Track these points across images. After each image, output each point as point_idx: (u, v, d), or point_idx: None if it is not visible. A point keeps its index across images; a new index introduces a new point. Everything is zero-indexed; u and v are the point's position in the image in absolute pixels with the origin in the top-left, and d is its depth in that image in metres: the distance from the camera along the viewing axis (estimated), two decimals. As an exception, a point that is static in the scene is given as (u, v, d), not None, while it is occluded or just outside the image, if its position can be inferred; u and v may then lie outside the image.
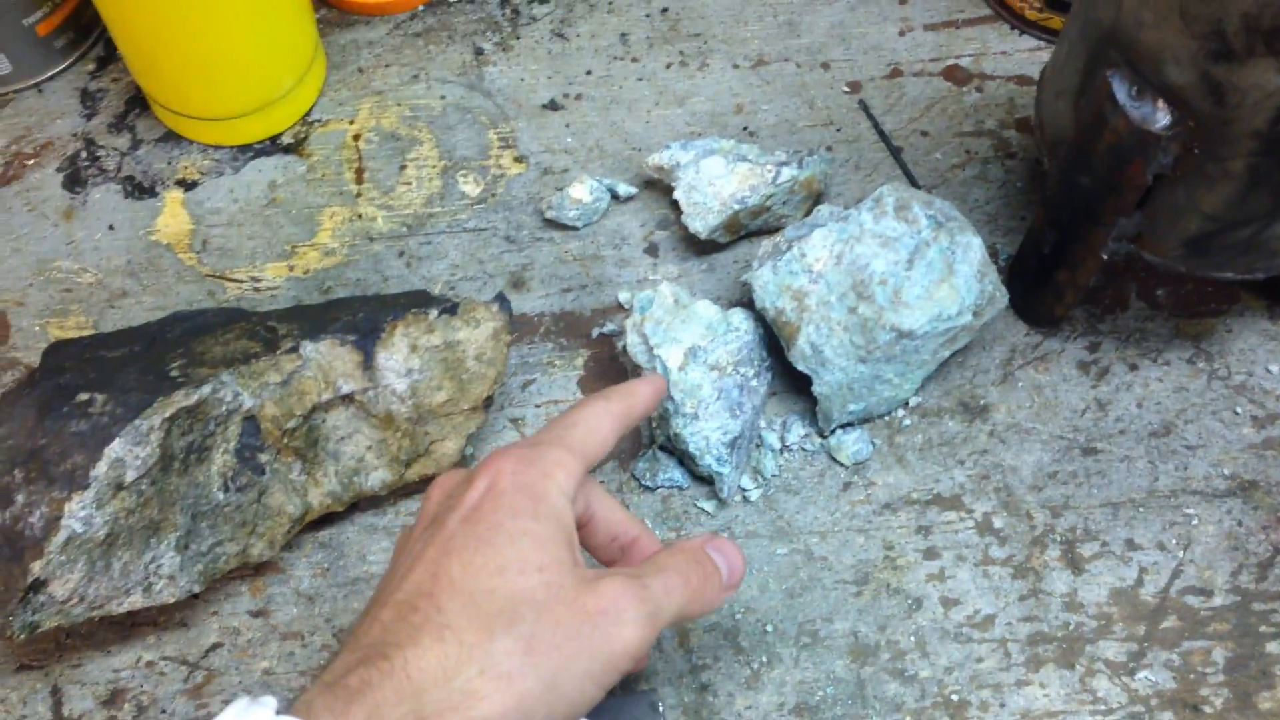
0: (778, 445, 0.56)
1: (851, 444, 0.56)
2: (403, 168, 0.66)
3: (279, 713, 0.35)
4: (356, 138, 0.67)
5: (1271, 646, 0.51)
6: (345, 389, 0.53)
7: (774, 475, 0.56)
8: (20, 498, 0.47)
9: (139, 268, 0.63)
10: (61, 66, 0.70)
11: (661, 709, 0.49)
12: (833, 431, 0.56)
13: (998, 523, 0.55)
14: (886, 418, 0.57)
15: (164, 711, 0.51)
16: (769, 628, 0.52)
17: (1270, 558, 0.53)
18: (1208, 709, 0.50)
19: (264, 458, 0.52)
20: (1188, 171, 0.45)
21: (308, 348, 0.53)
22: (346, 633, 0.51)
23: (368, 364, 0.53)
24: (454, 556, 0.38)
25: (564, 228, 0.63)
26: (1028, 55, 0.69)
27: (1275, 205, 0.45)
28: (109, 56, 0.71)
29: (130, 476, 0.48)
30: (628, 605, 0.38)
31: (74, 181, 0.66)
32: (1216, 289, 0.60)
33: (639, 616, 0.38)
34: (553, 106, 0.68)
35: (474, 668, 0.36)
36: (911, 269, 0.54)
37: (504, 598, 0.37)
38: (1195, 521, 0.55)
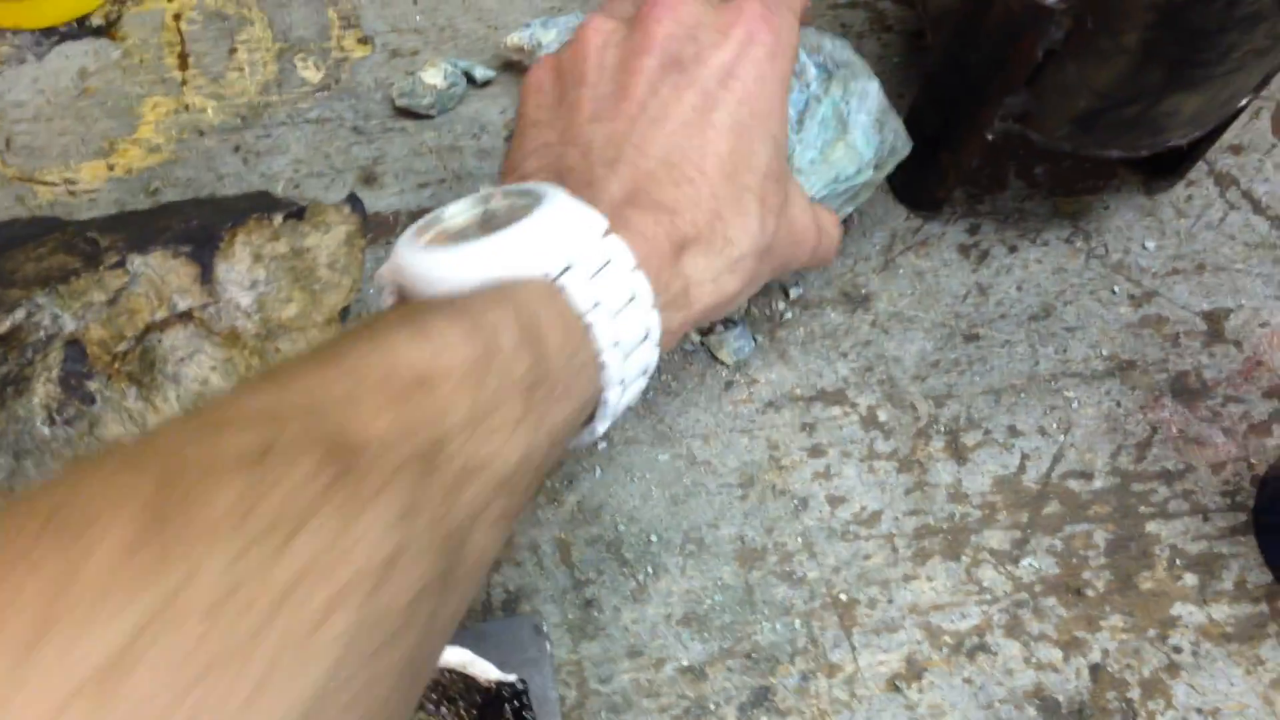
0: (656, 345, 0.54)
1: (733, 340, 0.54)
2: (232, 51, 0.59)
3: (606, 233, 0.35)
4: (177, 18, 0.60)
5: (1151, 526, 0.52)
6: (182, 306, 0.48)
7: (652, 377, 0.53)
8: None
9: (-68, 173, 0.56)
10: None
11: (545, 629, 0.47)
12: (712, 329, 0.54)
13: (882, 415, 0.53)
14: (768, 311, 0.55)
15: None
16: (653, 537, 0.50)
17: (1148, 437, 0.54)
18: (1090, 592, 0.51)
19: (93, 385, 0.47)
20: (1079, 47, 0.42)
21: (136, 261, 0.47)
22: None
23: (206, 277, 0.48)
24: (717, 133, 0.37)
25: (418, 116, 0.58)
26: (904, -80, 0.65)
27: (1166, 80, 0.43)
28: (-124, -75, 0.61)
29: (-67, 418, 0.42)
30: (825, 237, 0.44)
31: None
32: (1095, 165, 0.59)
33: (828, 248, 0.45)
34: (398, -20, 0.62)
35: (723, 264, 0.37)
36: (802, 130, 0.49)
37: (755, 200, 0.38)
38: (1075, 405, 0.54)
